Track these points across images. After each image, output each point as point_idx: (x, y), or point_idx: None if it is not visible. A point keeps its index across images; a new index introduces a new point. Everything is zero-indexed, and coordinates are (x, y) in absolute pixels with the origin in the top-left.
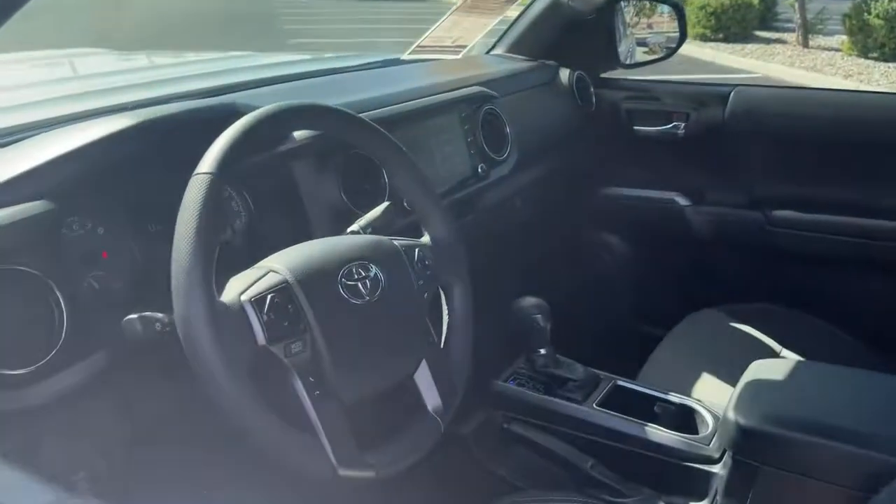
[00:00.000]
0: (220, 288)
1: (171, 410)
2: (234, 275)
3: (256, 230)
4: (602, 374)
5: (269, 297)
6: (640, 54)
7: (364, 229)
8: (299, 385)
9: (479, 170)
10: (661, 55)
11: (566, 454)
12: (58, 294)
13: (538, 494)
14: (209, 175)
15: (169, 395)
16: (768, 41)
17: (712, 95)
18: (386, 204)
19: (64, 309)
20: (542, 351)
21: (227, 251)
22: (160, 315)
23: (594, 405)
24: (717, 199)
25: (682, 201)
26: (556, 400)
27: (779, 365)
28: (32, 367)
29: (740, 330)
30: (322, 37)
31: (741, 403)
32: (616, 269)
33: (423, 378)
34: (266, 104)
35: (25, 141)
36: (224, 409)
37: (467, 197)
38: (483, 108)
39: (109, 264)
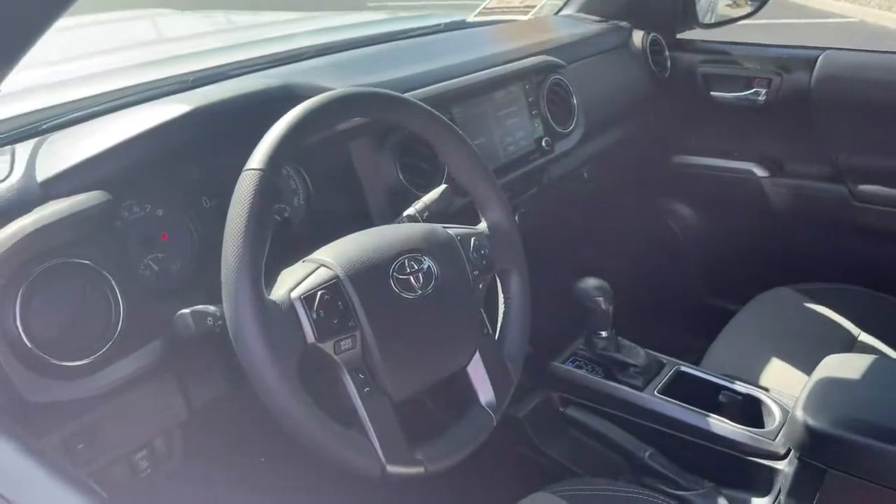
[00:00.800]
0: (273, 277)
1: (225, 392)
2: (291, 252)
3: (314, 208)
4: (665, 358)
5: (318, 293)
6: (723, 8)
7: (421, 213)
8: (349, 381)
9: (544, 143)
10: (746, 11)
11: (624, 441)
12: (114, 284)
13: (593, 481)
14: (259, 171)
15: (223, 379)
16: None
17: (798, 60)
18: (443, 187)
19: (120, 299)
20: (604, 333)
21: (284, 228)
22: (212, 309)
23: (655, 392)
24: (799, 171)
25: (759, 172)
26: (616, 385)
27: (853, 361)
28: (90, 359)
29: (816, 311)
30: None
31: (810, 402)
32: (687, 243)
33: (477, 370)
34: (322, 82)
35: (80, 126)
36: (272, 409)
37: (530, 172)
38: (548, 78)
39: (169, 246)
